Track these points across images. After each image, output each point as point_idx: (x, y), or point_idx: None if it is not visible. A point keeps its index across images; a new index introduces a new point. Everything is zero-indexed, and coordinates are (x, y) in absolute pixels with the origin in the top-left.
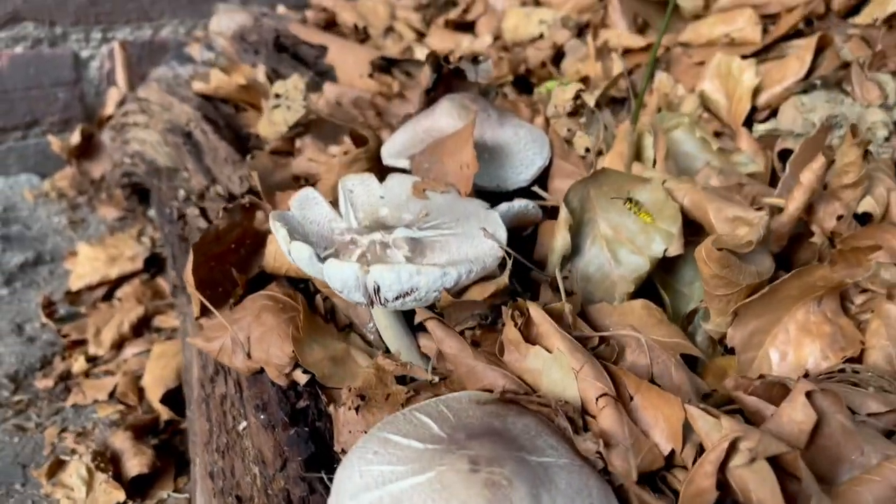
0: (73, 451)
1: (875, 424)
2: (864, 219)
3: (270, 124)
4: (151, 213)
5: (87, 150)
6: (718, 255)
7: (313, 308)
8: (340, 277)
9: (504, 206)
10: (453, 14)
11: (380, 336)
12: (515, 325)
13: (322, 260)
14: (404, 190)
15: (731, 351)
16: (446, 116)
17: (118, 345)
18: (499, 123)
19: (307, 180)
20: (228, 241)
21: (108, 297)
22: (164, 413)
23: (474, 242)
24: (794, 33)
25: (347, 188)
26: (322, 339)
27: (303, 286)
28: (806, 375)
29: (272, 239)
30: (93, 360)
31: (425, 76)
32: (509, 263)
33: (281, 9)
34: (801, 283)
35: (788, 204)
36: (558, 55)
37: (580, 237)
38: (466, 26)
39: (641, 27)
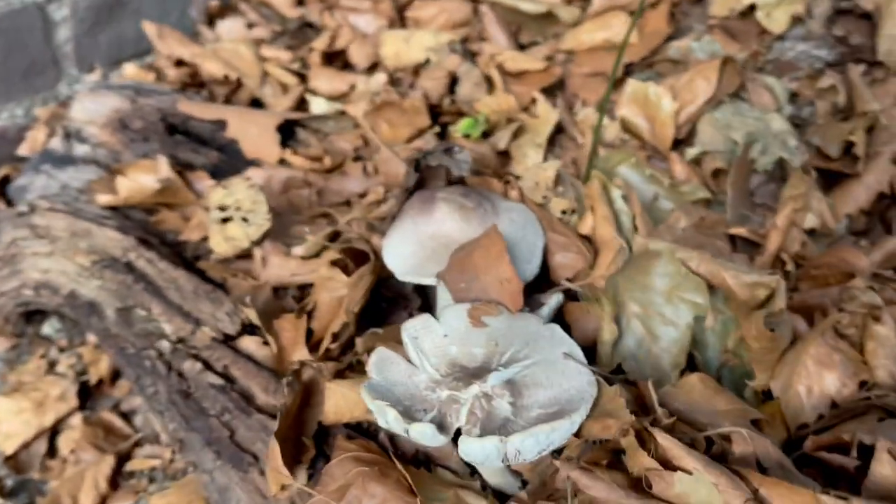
0: None
1: None
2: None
3: (226, 240)
4: (45, 330)
5: None
6: (766, 332)
7: (391, 453)
8: (482, 454)
9: (545, 310)
10: (320, 43)
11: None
12: (649, 452)
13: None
14: (462, 322)
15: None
16: (449, 221)
17: None
18: (495, 214)
19: (284, 289)
20: (294, 411)
21: (51, 452)
22: None
23: (558, 368)
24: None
25: (412, 335)
26: (434, 492)
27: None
28: (834, 405)
29: (332, 391)
30: None
31: (407, 177)
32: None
33: (129, 69)
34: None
35: (768, 245)
36: (453, 82)
37: (615, 320)
38: (338, 55)
39: (520, 41)
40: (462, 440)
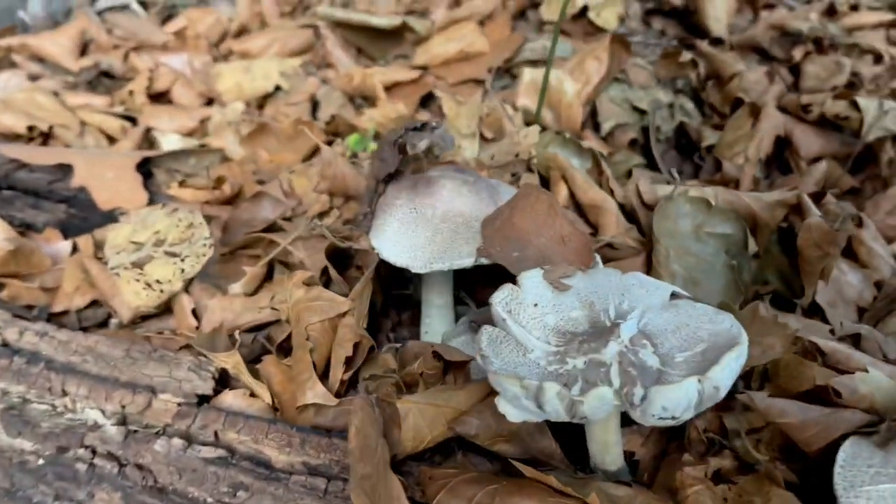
0: None
1: None
2: None
3: (144, 289)
4: None
5: None
6: (827, 230)
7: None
8: (686, 398)
9: (600, 263)
10: (138, 86)
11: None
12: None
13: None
14: (543, 289)
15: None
16: (459, 198)
17: None
18: (495, 188)
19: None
20: (366, 446)
21: None
22: None
23: (672, 311)
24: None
25: (506, 311)
26: (578, 489)
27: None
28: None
29: (409, 410)
30: None
31: (390, 159)
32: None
33: None
34: None
35: (743, 181)
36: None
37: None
38: (161, 96)
39: (358, 57)
40: (656, 391)
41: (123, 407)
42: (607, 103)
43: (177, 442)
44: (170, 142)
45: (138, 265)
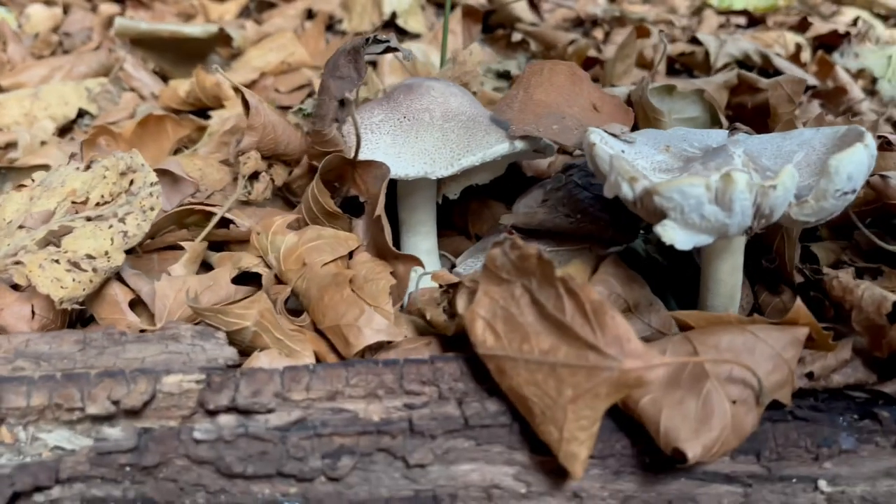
0: None
1: None
2: None
3: (69, 272)
4: None
5: None
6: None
7: None
8: (865, 162)
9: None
10: None
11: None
12: None
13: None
14: (615, 142)
15: None
16: (452, 97)
17: None
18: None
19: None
20: None
21: None
22: None
23: (756, 140)
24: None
25: (608, 145)
26: None
27: None
28: None
29: None
30: None
31: (351, 73)
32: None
33: None
34: None
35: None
36: None
37: None
38: None
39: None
40: (838, 159)
41: (116, 403)
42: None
43: (226, 420)
44: None
45: (52, 242)
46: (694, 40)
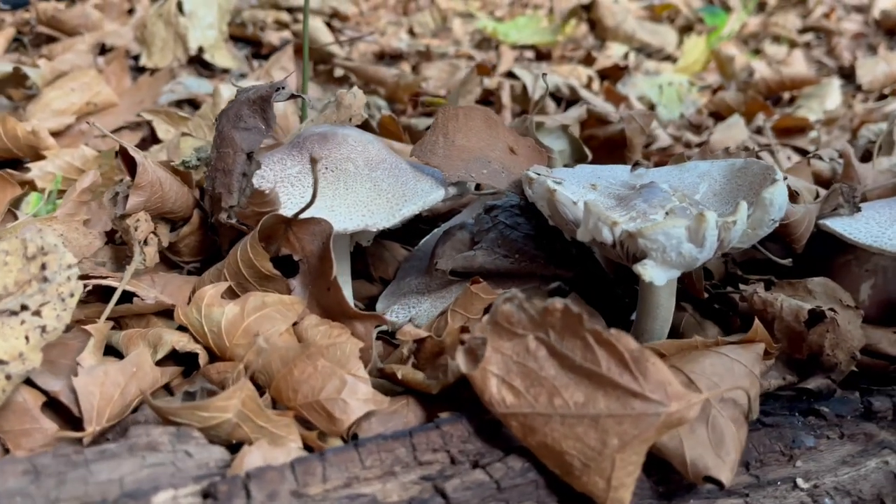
0: None
1: None
2: None
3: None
4: None
5: None
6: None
7: None
8: (785, 196)
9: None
10: None
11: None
12: None
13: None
14: (548, 179)
15: None
16: (368, 145)
17: None
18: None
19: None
20: None
21: None
22: None
23: (662, 174)
24: None
25: (570, 190)
26: None
27: None
28: None
29: None
30: None
31: (258, 124)
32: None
33: None
34: None
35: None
36: None
37: None
38: None
39: None
40: (770, 192)
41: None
42: None
43: None
44: None
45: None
46: (511, 74)
